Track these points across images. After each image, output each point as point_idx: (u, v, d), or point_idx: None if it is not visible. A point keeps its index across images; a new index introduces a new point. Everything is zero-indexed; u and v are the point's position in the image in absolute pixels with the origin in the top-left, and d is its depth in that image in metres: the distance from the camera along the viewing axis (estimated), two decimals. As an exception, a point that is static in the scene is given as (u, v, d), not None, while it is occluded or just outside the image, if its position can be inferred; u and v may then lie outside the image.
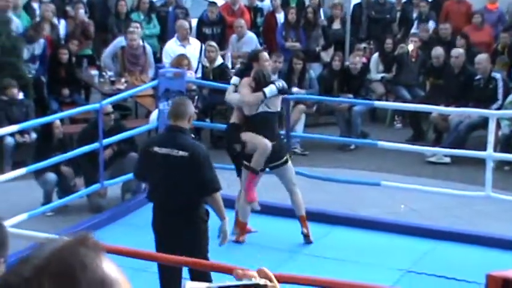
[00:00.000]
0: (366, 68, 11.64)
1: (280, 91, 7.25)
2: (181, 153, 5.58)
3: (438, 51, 10.97)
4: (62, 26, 12.13)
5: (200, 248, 5.61)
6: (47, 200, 8.19)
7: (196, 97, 9.62)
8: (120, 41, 11.53)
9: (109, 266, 1.16)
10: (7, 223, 6.54)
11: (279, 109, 7.42)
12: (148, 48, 11.53)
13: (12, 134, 9.26)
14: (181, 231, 5.58)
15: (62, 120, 9.17)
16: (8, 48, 10.17)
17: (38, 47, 11.03)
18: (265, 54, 7.60)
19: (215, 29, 12.44)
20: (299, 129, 10.47)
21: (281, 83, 7.36)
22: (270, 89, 7.17)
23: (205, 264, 5.25)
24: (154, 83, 8.83)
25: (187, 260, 5.16)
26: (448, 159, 9.98)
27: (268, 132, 7.23)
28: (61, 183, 8.32)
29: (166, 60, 10.78)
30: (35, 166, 7.90)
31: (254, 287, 1.38)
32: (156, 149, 5.67)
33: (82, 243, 1.17)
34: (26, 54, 10.76)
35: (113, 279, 1.15)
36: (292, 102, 9.93)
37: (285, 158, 7.37)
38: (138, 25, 11.63)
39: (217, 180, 5.68)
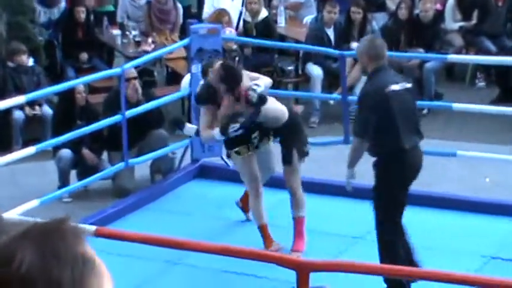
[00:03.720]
0: (439, 16, 11.49)
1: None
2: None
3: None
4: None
5: None
6: (63, 182, 8.26)
7: (237, 58, 9.61)
8: None
9: (89, 247, 1.30)
10: (15, 211, 6.66)
11: None
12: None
13: (21, 107, 9.38)
14: None
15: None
16: (14, 6, 10.27)
17: (58, 11, 11.17)
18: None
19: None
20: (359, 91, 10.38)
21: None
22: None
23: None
24: (186, 41, 8.83)
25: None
26: (542, 123, 9.83)
27: None
28: (80, 162, 8.37)
29: (208, 10, 10.88)
30: (48, 143, 7.98)
31: None
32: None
33: (62, 222, 1.30)
34: (42, 18, 10.86)
35: (93, 256, 1.28)
36: (351, 59, 9.86)
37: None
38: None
39: None
